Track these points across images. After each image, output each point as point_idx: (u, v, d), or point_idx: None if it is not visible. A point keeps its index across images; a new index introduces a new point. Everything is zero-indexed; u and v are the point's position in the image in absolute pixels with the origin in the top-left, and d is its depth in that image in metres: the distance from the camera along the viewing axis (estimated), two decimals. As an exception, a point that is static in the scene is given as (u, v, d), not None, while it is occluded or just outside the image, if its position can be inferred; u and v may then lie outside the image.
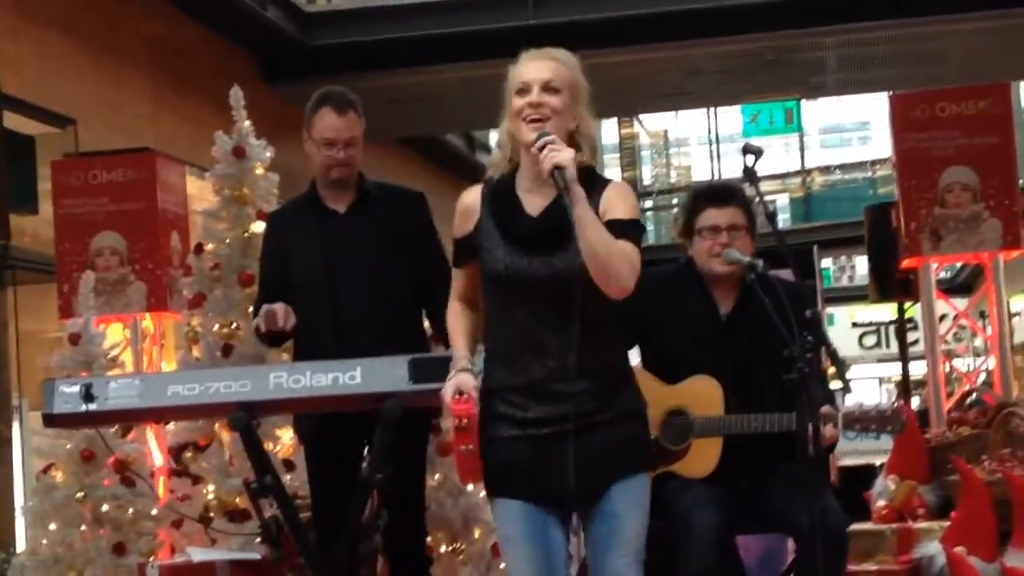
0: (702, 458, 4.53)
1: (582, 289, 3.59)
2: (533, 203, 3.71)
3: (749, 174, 4.00)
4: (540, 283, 3.62)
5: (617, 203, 3.67)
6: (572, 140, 3.68)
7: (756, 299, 4.19)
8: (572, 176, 3.53)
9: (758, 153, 3.98)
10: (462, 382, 3.69)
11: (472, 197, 3.81)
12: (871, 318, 28.81)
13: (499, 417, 3.69)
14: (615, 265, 3.55)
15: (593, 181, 3.68)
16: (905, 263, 7.81)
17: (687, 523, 4.30)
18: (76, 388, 4.31)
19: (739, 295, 4.62)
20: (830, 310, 26.73)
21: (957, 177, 7.46)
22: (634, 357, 4.70)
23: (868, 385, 28.88)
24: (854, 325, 29.79)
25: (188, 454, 6.33)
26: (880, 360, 29.35)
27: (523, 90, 3.65)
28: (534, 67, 3.68)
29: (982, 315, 9.38)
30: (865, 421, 4.41)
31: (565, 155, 3.55)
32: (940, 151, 7.52)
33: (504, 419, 3.68)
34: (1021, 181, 8.00)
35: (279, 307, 4.73)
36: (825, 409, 4.10)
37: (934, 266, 7.84)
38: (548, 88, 3.65)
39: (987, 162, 7.50)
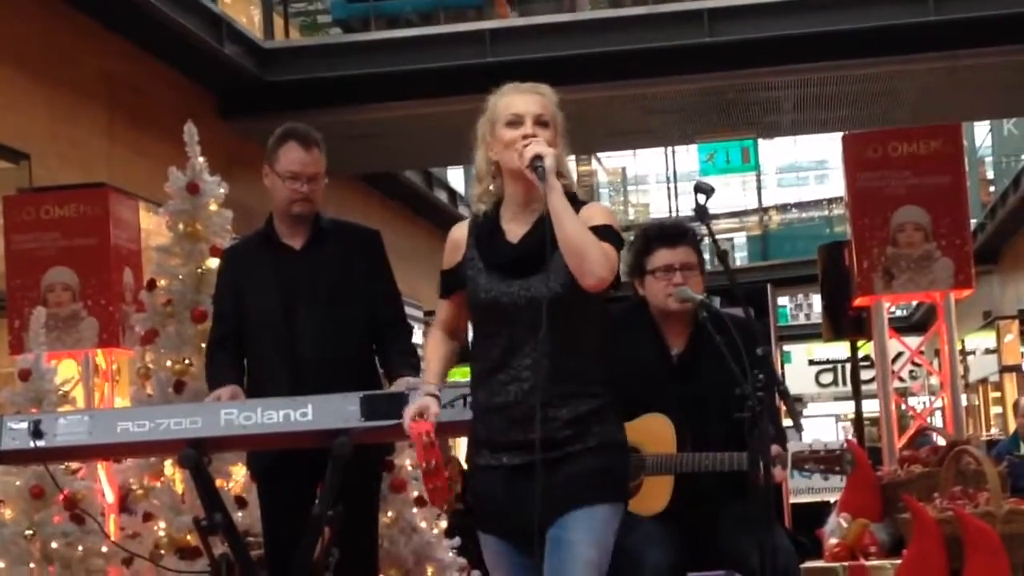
0: (654, 496, 4.53)
1: (560, 313, 3.63)
2: (515, 232, 3.78)
3: (701, 212, 4.02)
4: (518, 307, 3.68)
5: (596, 215, 3.75)
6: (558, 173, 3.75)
7: (708, 337, 4.21)
8: (551, 167, 3.64)
9: (709, 192, 4.00)
10: (424, 405, 3.78)
11: (460, 231, 3.89)
12: (828, 356, 28.95)
13: (480, 443, 3.75)
14: (591, 254, 3.60)
15: (575, 201, 3.76)
16: (858, 301, 7.85)
17: (638, 560, 4.31)
18: (24, 424, 4.28)
19: (691, 334, 4.63)
20: (787, 348, 26.85)
21: (909, 217, 7.52)
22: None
23: (824, 422, 29.00)
24: (811, 363, 29.92)
25: (139, 491, 6.28)
26: (836, 398, 29.50)
27: (515, 122, 3.76)
28: (524, 100, 3.80)
29: (938, 354, 9.44)
30: (814, 462, 4.44)
31: (545, 147, 3.68)
32: (892, 191, 7.58)
33: (484, 445, 3.74)
34: (972, 221, 8.07)
35: (225, 394, 4.68)
36: (774, 450, 4.11)
37: (886, 305, 7.89)
38: (540, 122, 3.76)
39: (939, 202, 7.56)
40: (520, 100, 3.79)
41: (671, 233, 4.71)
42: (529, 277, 3.69)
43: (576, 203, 3.75)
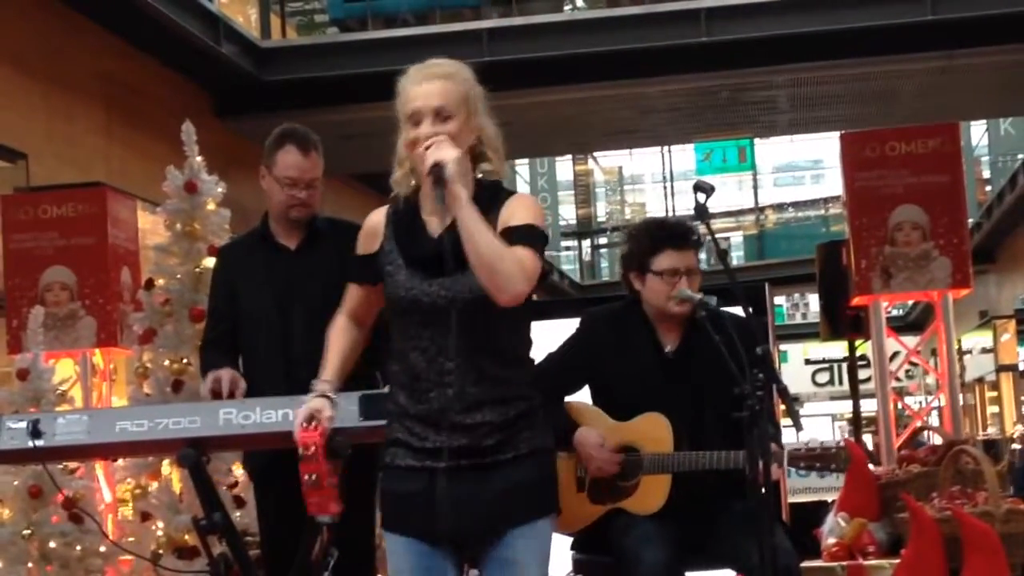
0: (651, 495, 4.52)
1: (483, 314, 3.44)
2: (435, 225, 3.54)
3: (701, 211, 4.01)
4: (439, 307, 3.48)
5: (518, 211, 3.52)
6: (475, 154, 3.56)
7: (704, 336, 4.20)
8: (451, 174, 3.39)
9: (709, 191, 3.99)
10: (315, 408, 3.59)
11: (377, 218, 3.67)
12: (824, 355, 28.99)
13: (398, 444, 3.55)
14: (503, 269, 3.37)
15: (498, 194, 3.56)
16: (856, 301, 7.85)
17: (636, 559, 4.30)
18: (23, 424, 4.27)
19: (684, 333, 4.61)
20: (783, 347, 26.86)
21: (907, 216, 7.52)
22: (584, 395, 4.71)
23: (821, 422, 29.03)
24: (807, 362, 29.95)
25: (136, 491, 6.29)
26: (833, 397, 29.54)
27: (414, 119, 3.52)
28: (423, 92, 3.52)
29: (934, 353, 9.45)
30: (810, 459, 4.44)
31: (446, 152, 3.40)
32: (890, 190, 7.58)
33: (403, 446, 3.54)
34: (970, 220, 8.08)
35: (225, 374, 4.67)
36: (771, 448, 4.10)
37: (884, 304, 7.89)
38: (440, 116, 3.50)
39: (937, 201, 7.56)
40: (419, 92, 3.52)
41: (679, 235, 4.64)
42: (451, 276, 3.46)
43: (501, 193, 3.57)
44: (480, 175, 3.60)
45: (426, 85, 3.52)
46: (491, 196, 3.54)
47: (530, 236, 3.46)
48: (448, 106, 3.50)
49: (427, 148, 3.45)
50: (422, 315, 3.52)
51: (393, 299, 3.58)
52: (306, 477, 3.56)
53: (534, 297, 3.62)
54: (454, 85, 3.53)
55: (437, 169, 3.40)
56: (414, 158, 3.52)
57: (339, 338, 3.76)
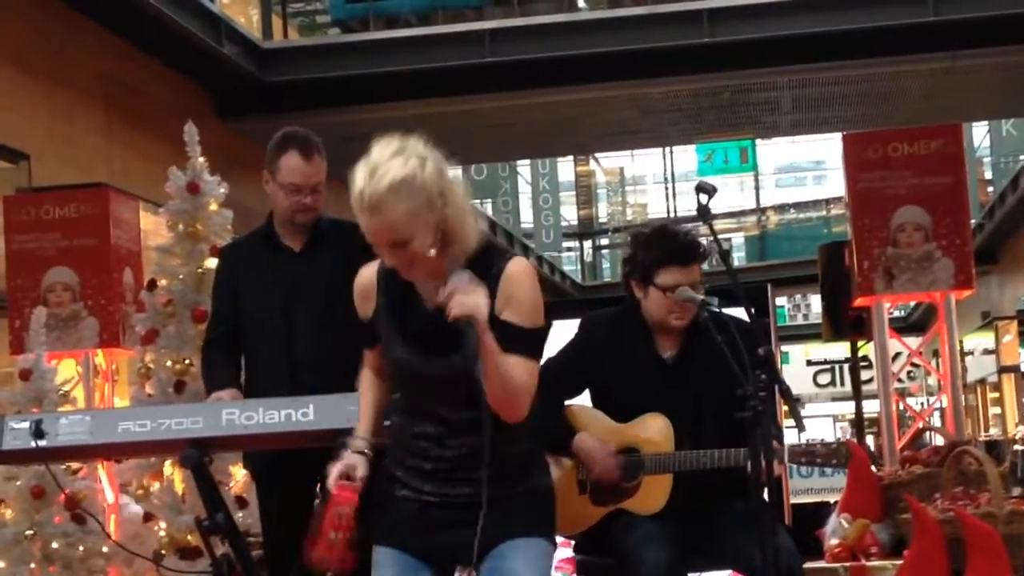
0: (653, 495, 4.52)
1: (478, 383, 3.36)
2: (430, 293, 3.43)
3: (703, 212, 4.00)
4: (438, 381, 3.45)
5: (515, 300, 3.40)
6: (445, 243, 3.40)
7: (704, 339, 4.19)
8: (484, 324, 3.27)
9: (712, 192, 3.99)
10: (351, 465, 3.56)
11: (368, 277, 3.58)
12: (825, 356, 28.99)
13: (394, 480, 3.57)
14: (516, 402, 3.38)
15: (487, 264, 3.42)
16: (858, 302, 7.85)
17: (638, 560, 4.30)
18: (26, 424, 4.26)
19: (685, 336, 4.60)
20: (785, 348, 26.88)
21: (909, 217, 7.51)
22: (585, 400, 4.71)
23: (822, 423, 29.03)
24: (809, 363, 29.97)
25: (138, 491, 6.29)
26: (834, 398, 29.55)
27: (377, 246, 3.38)
28: (374, 227, 3.33)
29: (936, 354, 9.45)
30: (811, 455, 4.44)
31: (471, 301, 3.26)
32: (892, 191, 7.57)
33: (398, 482, 3.56)
34: (972, 221, 8.07)
35: (226, 395, 4.68)
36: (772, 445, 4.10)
37: (887, 305, 7.88)
38: (396, 245, 3.33)
39: (939, 202, 7.55)
40: (367, 224, 3.33)
41: (686, 251, 4.60)
42: (449, 348, 3.37)
43: (491, 262, 3.43)
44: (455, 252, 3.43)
45: (372, 219, 3.32)
46: (481, 262, 3.42)
47: (532, 345, 3.43)
48: (397, 233, 3.32)
49: (448, 296, 3.28)
50: (419, 385, 3.51)
51: (391, 365, 3.56)
52: (331, 535, 3.50)
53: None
54: (400, 207, 3.30)
55: (466, 321, 3.27)
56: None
57: (369, 393, 3.72)
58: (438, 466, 3.50)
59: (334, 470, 3.57)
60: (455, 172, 3.47)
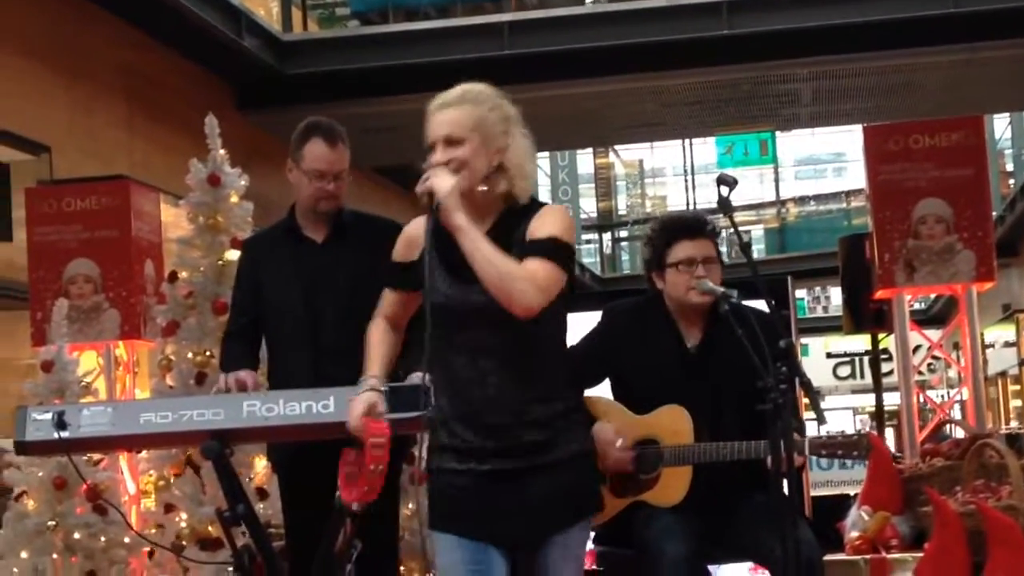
0: (672, 487, 4.53)
1: (515, 319, 3.51)
2: None
3: (723, 205, 4.00)
4: (477, 310, 3.56)
5: (541, 224, 3.60)
6: (497, 177, 3.62)
7: (726, 331, 4.20)
8: (446, 203, 3.50)
9: (732, 184, 3.99)
10: (371, 401, 3.68)
11: (418, 227, 3.75)
12: (845, 349, 28.88)
13: (444, 448, 3.65)
14: (511, 287, 3.47)
15: (528, 210, 3.64)
16: (879, 294, 7.83)
17: (658, 552, 4.30)
18: (48, 416, 4.29)
19: (707, 327, 4.61)
20: (804, 341, 26.79)
21: (931, 209, 7.49)
22: (605, 390, 4.72)
23: (842, 416, 28.94)
24: (828, 356, 29.85)
25: (159, 483, 6.31)
26: (854, 391, 29.44)
27: (432, 148, 3.61)
28: (435, 123, 3.62)
29: (956, 346, 9.42)
30: (831, 447, 4.44)
31: (440, 182, 3.52)
32: (913, 183, 7.54)
33: (448, 450, 3.64)
34: (994, 213, 8.04)
35: (248, 379, 4.69)
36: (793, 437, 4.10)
37: (907, 297, 7.86)
38: (451, 142, 3.58)
39: (961, 194, 7.52)
40: (432, 123, 3.63)
41: (692, 226, 4.68)
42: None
43: (532, 208, 3.65)
44: (506, 193, 3.64)
45: (437, 115, 3.61)
46: (522, 212, 3.61)
47: (547, 249, 3.53)
48: (456, 132, 3.58)
49: (424, 180, 3.54)
50: (460, 318, 3.59)
51: (434, 306, 3.62)
52: (372, 466, 3.61)
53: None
54: (465, 110, 3.60)
55: (429, 199, 3.52)
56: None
57: (381, 340, 3.85)
58: (480, 407, 3.56)
59: (356, 409, 3.66)
60: (525, 140, 3.68)
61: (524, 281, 3.48)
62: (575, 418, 3.69)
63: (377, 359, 3.81)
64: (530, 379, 3.57)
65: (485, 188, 3.60)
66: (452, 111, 3.60)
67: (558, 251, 3.56)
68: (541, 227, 3.58)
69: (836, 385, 30.00)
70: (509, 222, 3.61)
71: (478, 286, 3.54)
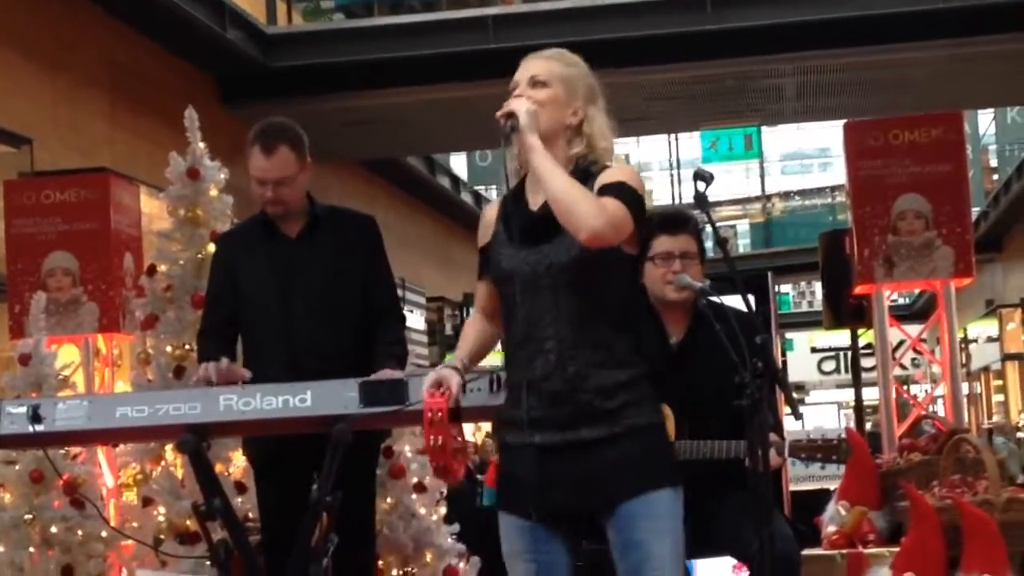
0: (652, 483, 4.52)
1: (582, 277, 3.50)
2: (536, 200, 3.64)
3: (700, 200, 4.00)
4: (537, 275, 3.54)
5: (611, 174, 3.59)
6: (573, 136, 3.65)
7: (707, 326, 4.20)
8: (526, 124, 3.53)
9: (709, 179, 3.98)
10: (444, 375, 3.61)
11: (491, 210, 3.78)
12: (830, 343, 28.94)
13: (507, 422, 3.62)
14: (578, 209, 3.43)
15: (599, 167, 3.64)
16: (858, 290, 7.85)
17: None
18: (23, 409, 4.27)
19: (689, 323, 4.62)
20: (789, 335, 26.86)
21: (910, 205, 7.51)
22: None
23: (827, 410, 29.01)
24: (813, 350, 29.93)
25: (138, 476, 6.29)
26: (839, 385, 29.52)
27: (512, 91, 3.67)
28: (524, 67, 3.71)
29: (938, 342, 9.45)
30: (810, 450, 4.45)
31: (520, 104, 3.57)
32: (893, 179, 7.57)
33: (510, 424, 3.60)
34: (976, 209, 8.06)
35: (212, 368, 4.67)
36: (772, 438, 4.11)
37: (887, 293, 7.88)
38: (535, 83, 3.65)
39: (940, 190, 7.55)
40: (521, 69, 3.70)
41: (673, 221, 4.68)
42: (548, 243, 3.53)
43: (602, 168, 3.63)
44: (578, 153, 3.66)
45: (528, 62, 3.71)
46: (590, 167, 3.62)
47: (617, 190, 3.53)
48: (542, 75, 3.66)
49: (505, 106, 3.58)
50: (522, 283, 3.57)
51: (496, 273, 3.64)
52: (431, 440, 3.56)
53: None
54: (556, 63, 3.72)
55: (509, 120, 3.55)
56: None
57: (471, 330, 3.80)
58: (542, 373, 3.51)
59: (428, 380, 3.63)
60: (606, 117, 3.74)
61: (593, 205, 3.45)
62: (639, 390, 3.58)
63: (466, 347, 3.77)
64: (592, 345, 3.51)
65: (563, 146, 3.64)
66: (544, 60, 3.71)
67: (628, 193, 3.54)
68: (611, 176, 3.59)
69: (821, 380, 30.07)
70: (579, 180, 3.57)
71: (539, 250, 3.54)
